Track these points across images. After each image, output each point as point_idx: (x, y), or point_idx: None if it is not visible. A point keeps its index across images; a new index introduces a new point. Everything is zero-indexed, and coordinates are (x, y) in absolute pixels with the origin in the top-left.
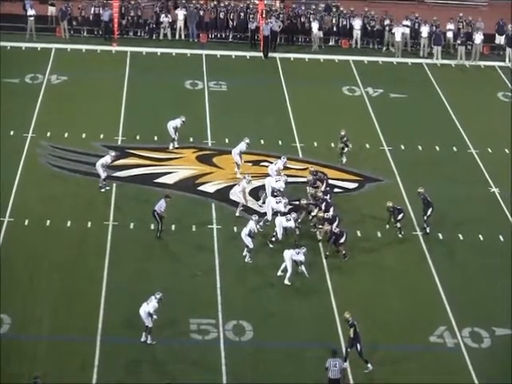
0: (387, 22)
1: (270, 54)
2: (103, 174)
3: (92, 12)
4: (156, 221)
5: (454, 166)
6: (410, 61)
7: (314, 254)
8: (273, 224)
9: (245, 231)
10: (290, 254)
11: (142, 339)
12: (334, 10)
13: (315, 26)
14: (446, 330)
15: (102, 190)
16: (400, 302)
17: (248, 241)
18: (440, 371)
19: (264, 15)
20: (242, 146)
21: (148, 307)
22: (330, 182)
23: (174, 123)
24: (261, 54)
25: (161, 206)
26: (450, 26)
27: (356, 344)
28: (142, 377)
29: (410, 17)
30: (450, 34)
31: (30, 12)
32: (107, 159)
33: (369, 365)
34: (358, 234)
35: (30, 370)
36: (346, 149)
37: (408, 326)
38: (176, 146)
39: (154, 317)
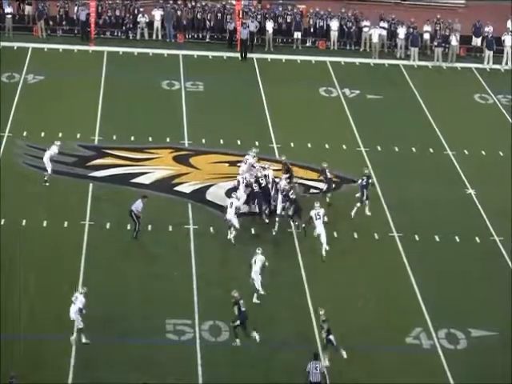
0: (364, 23)
1: (248, 55)
2: (50, 168)
3: (75, 11)
4: (133, 221)
5: (430, 167)
6: (386, 62)
7: (291, 256)
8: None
9: (230, 212)
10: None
11: (72, 337)
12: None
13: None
14: (422, 332)
15: (47, 184)
16: (376, 304)
17: (235, 221)
18: (416, 372)
19: (241, 16)
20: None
21: (76, 306)
22: (307, 182)
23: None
24: (238, 55)
25: (138, 206)
26: (427, 28)
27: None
28: (117, 376)
29: (386, 18)
30: (426, 36)
31: (8, 10)
32: (54, 150)
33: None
34: (335, 234)
35: (6, 369)
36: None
37: (384, 327)
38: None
39: (84, 311)
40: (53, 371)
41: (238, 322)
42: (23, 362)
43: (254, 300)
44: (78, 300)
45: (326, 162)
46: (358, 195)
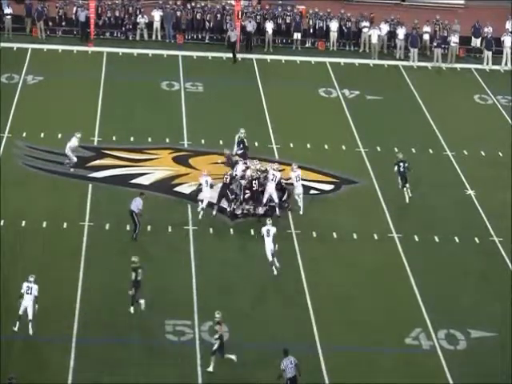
0: (363, 23)
1: (247, 56)
2: (74, 158)
3: (74, 12)
4: (133, 221)
5: (429, 168)
6: (386, 63)
7: (290, 255)
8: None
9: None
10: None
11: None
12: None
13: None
14: (421, 332)
15: (72, 170)
16: (375, 304)
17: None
18: (415, 373)
19: (240, 16)
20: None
21: (32, 295)
22: (307, 183)
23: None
24: (237, 55)
25: (138, 204)
26: (427, 29)
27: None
28: (117, 377)
29: (386, 19)
30: (426, 37)
31: (7, 11)
32: (74, 142)
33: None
34: (334, 235)
35: (5, 370)
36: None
37: (383, 327)
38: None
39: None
40: (52, 372)
41: (132, 291)
42: (23, 363)
43: (275, 273)
44: (33, 289)
45: (228, 149)
46: (399, 182)
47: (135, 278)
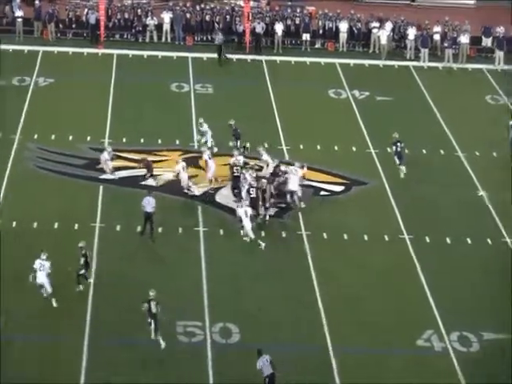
0: (373, 24)
1: (257, 57)
2: (109, 168)
3: (85, 14)
4: (150, 223)
5: (441, 169)
6: (396, 63)
7: (300, 256)
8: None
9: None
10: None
11: (45, 295)
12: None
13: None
14: (433, 334)
15: (115, 177)
16: (386, 305)
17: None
18: (427, 375)
19: (249, 18)
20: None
21: (45, 271)
22: (317, 185)
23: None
24: (246, 57)
25: (151, 203)
26: (437, 29)
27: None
28: (128, 378)
29: (396, 20)
30: (436, 37)
31: (18, 13)
32: (105, 156)
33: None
34: (345, 236)
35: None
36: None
37: (394, 328)
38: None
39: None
40: (65, 372)
41: (83, 271)
42: (35, 363)
43: (262, 247)
44: (45, 266)
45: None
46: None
47: (85, 261)
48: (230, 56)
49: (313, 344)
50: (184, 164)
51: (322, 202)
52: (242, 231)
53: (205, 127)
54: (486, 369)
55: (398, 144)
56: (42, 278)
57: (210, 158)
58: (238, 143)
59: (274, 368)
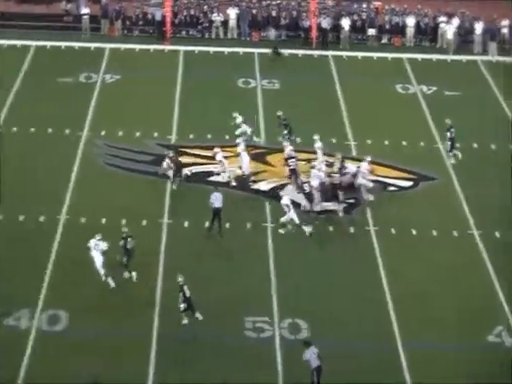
0: (440, 19)
1: (323, 52)
2: (171, 175)
3: (150, 11)
4: (217, 218)
5: (510, 163)
6: (464, 58)
7: (368, 251)
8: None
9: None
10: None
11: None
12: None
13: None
14: (503, 330)
15: (174, 187)
16: (455, 301)
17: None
18: (498, 370)
19: (316, 13)
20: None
21: (99, 250)
22: (386, 180)
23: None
24: (312, 52)
25: (219, 199)
26: (505, 23)
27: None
28: (196, 375)
29: (462, 14)
30: (505, 30)
31: (84, 11)
32: (164, 165)
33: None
34: (413, 232)
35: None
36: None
37: (464, 324)
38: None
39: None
40: (133, 368)
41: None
42: (103, 359)
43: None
44: (101, 245)
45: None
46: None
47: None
48: (296, 51)
49: (382, 340)
50: (219, 151)
51: (390, 197)
52: (281, 219)
53: (239, 120)
54: None
55: (452, 130)
56: (98, 257)
57: (243, 151)
58: (288, 134)
59: (321, 361)
